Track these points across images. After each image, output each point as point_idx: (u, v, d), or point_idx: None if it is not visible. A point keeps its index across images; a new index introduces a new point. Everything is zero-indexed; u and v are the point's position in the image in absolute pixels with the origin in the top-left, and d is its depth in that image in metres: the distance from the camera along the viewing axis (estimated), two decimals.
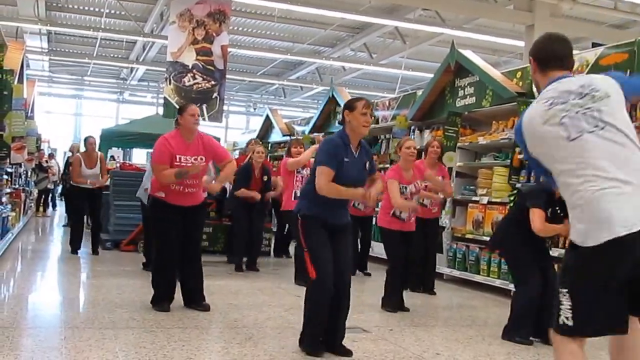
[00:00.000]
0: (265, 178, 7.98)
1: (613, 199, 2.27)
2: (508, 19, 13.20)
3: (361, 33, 16.52)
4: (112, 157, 15.01)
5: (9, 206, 9.33)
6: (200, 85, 12.07)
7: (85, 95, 27.87)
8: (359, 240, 7.94)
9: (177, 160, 5.02)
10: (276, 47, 18.14)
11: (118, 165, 12.22)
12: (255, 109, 27.70)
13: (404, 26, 14.68)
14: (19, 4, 13.92)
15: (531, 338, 4.63)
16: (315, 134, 12.33)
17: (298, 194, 6.47)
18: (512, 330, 4.71)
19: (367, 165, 4.13)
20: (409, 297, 5.96)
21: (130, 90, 26.36)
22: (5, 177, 9.06)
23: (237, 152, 13.82)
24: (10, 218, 9.29)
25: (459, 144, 7.93)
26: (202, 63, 12.06)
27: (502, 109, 7.49)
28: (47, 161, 16.46)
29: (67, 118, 28.36)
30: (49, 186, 16.71)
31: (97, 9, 15.47)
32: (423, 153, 6.85)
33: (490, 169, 7.52)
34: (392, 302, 5.68)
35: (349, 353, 4.01)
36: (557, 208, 4.39)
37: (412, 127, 9.25)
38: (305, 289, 4.09)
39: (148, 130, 11.84)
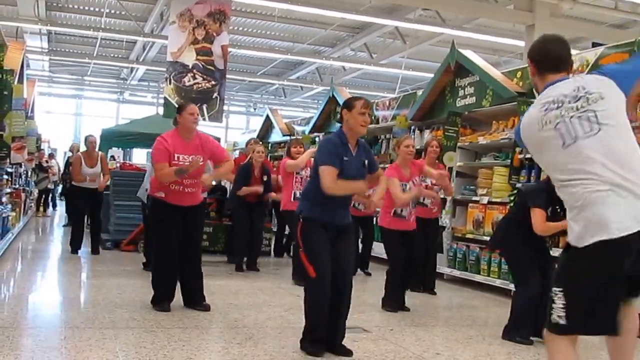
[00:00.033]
0: (265, 178, 7.98)
1: (608, 202, 2.30)
2: (508, 19, 13.19)
3: (361, 33, 16.51)
4: (112, 157, 15.01)
5: (9, 206, 9.33)
6: (200, 85, 12.07)
7: (85, 95, 27.83)
8: (359, 240, 7.94)
9: (176, 159, 5.03)
10: (276, 47, 18.12)
11: (118, 165, 12.23)
12: (255, 109, 27.67)
13: (404, 26, 14.67)
14: (19, 4, 13.91)
15: (531, 338, 4.62)
16: (315, 134, 12.33)
17: (298, 195, 6.49)
18: (512, 330, 4.71)
19: (366, 163, 4.13)
20: (409, 297, 5.96)
21: (130, 90, 26.34)
22: (5, 177, 9.05)
23: (237, 152, 13.83)
24: (10, 218, 9.29)
25: (459, 144, 7.93)
26: (202, 63, 12.06)
27: (503, 109, 7.49)
28: (47, 161, 16.44)
29: (67, 118, 28.34)
30: (49, 186, 16.71)
31: (97, 9, 15.47)
32: (423, 153, 6.85)
33: (490, 168, 7.52)
34: (393, 302, 5.68)
35: (349, 353, 4.01)
36: (557, 207, 4.40)
37: (412, 127, 9.24)
38: (304, 288, 4.09)
39: (148, 130, 11.80)
